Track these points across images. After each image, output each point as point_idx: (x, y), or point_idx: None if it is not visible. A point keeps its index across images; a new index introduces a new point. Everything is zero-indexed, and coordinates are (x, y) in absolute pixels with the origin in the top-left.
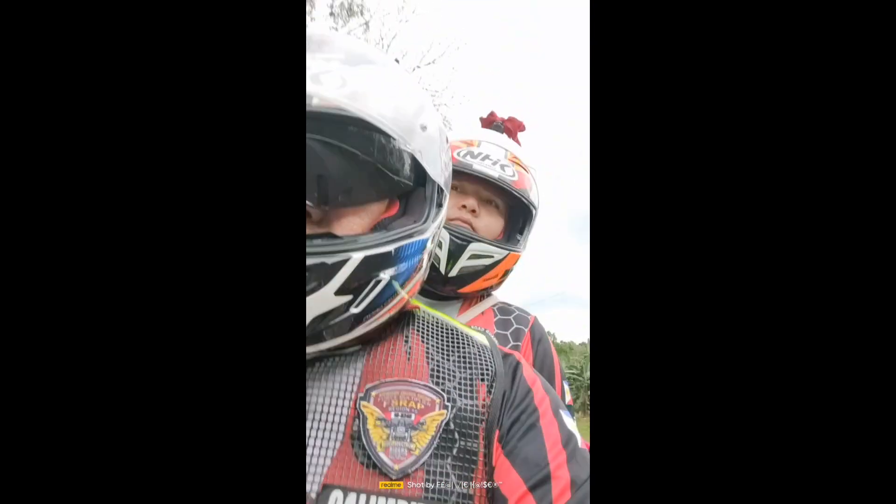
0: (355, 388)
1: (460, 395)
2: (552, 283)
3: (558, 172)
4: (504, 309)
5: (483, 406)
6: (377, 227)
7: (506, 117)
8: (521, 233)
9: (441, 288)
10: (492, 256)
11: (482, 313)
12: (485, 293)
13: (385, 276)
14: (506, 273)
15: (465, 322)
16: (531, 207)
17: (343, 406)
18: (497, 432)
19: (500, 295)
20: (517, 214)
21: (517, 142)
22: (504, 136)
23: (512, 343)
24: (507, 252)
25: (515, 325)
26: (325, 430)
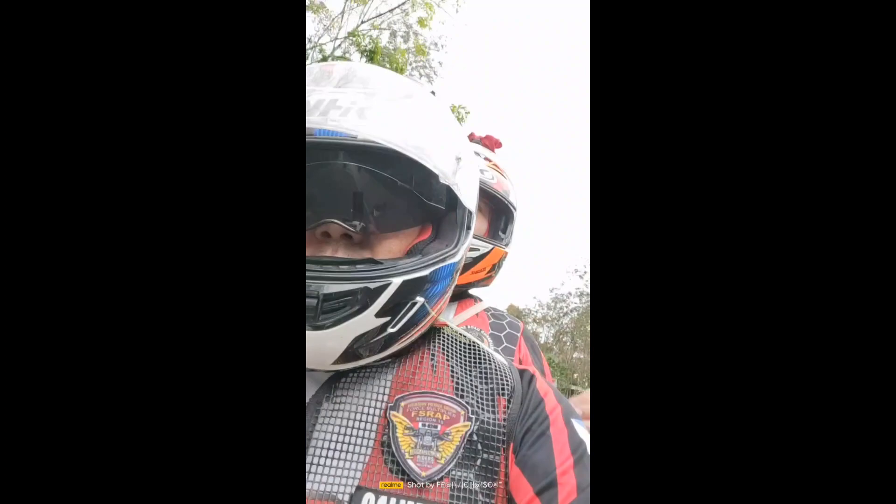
0: (385, 399)
1: (482, 409)
2: None
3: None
4: (497, 314)
5: (503, 419)
6: (412, 250)
7: (483, 136)
8: (504, 230)
9: None
10: (478, 249)
11: (477, 315)
12: (476, 296)
13: (420, 299)
14: (493, 268)
15: (460, 323)
16: (511, 208)
17: (374, 415)
18: (512, 444)
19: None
20: (499, 214)
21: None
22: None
23: (506, 344)
24: (492, 246)
25: (508, 330)
26: (357, 436)
